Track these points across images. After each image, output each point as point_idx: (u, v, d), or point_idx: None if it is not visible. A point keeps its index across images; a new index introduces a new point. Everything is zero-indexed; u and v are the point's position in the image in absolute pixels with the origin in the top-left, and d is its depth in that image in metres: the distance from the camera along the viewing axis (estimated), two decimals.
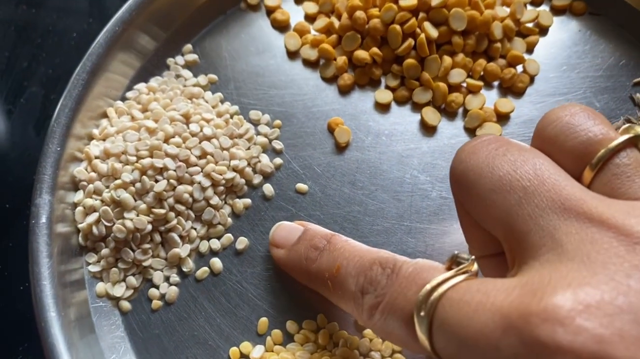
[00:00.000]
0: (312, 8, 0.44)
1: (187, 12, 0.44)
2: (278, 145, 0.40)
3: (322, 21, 0.44)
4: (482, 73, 0.42)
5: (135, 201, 0.37)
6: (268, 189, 0.39)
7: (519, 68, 0.42)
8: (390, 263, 0.27)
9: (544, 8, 0.44)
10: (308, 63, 0.43)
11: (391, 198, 0.39)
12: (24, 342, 0.40)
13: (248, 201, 0.39)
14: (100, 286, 0.37)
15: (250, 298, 0.36)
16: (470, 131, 0.40)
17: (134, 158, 0.37)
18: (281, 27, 0.44)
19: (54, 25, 0.51)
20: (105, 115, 0.41)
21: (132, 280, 0.37)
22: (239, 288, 0.37)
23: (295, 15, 0.45)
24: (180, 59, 0.44)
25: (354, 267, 0.29)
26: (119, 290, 0.36)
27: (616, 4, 0.44)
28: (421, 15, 0.41)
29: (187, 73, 0.43)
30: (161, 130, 0.38)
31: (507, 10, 0.43)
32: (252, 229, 0.38)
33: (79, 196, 0.37)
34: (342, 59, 0.42)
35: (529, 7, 0.44)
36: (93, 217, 0.36)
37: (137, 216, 0.36)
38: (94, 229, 0.36)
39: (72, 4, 0.52)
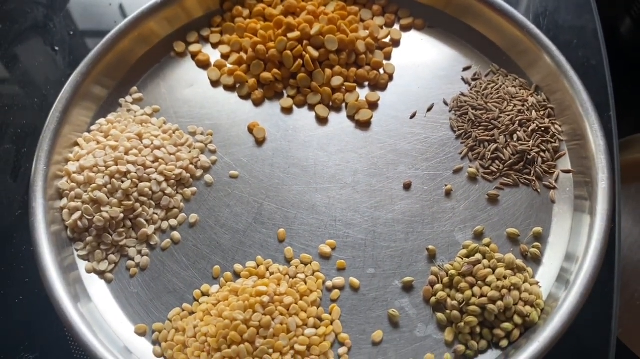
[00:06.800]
0: (225, 49, 0.59)
1: (129, 64, 0.58)
2: (212, 147, 0.54)
3: (234, 56, 0.58)
4: (354, 77, 0.57)
5: (108, 198, 0.49)
6: (208, 178, 0.52)
7: (381, 71, 0.58)
8: None
9: (395, 27, 0.61)
10: (227, 87, 0.57)
11: (300, 171, 0.52)
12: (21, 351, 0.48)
13: (194, 189, 0.52)
14: (88, 265, 0.48)
15: (205, 254, 0.48)
16: (351, 117, 0.55)
17: (103, 168, 0.50)
18: (204, 65, 0.59)
19: (16, 95, 0.62)
20: (76, 144, 0.53)
21: (113, 257, 0.48)
22: (195, 249, 0.49)
23: (213, 56, 0.59)
24: (129, 98, 0.57)
25: None
26: (103, 265, 0.48)
27: (445, 18, 0.60)
28: (305, 42, 0.56)
29: (136, 107, 0.56)
30: (121, 146, 0.51)
31: (367, 31, 0.59)
32: (199, 208, 0.51)
33: (64, 201, 0.49)
34: (252, 81, 0.57)
35: (384, 28, 0.60)
36: (77, 214, 0.48)
37: (111, 208, 0.48)
38: (79, 223, 0.48)
39: (32, 76, 0.65)
